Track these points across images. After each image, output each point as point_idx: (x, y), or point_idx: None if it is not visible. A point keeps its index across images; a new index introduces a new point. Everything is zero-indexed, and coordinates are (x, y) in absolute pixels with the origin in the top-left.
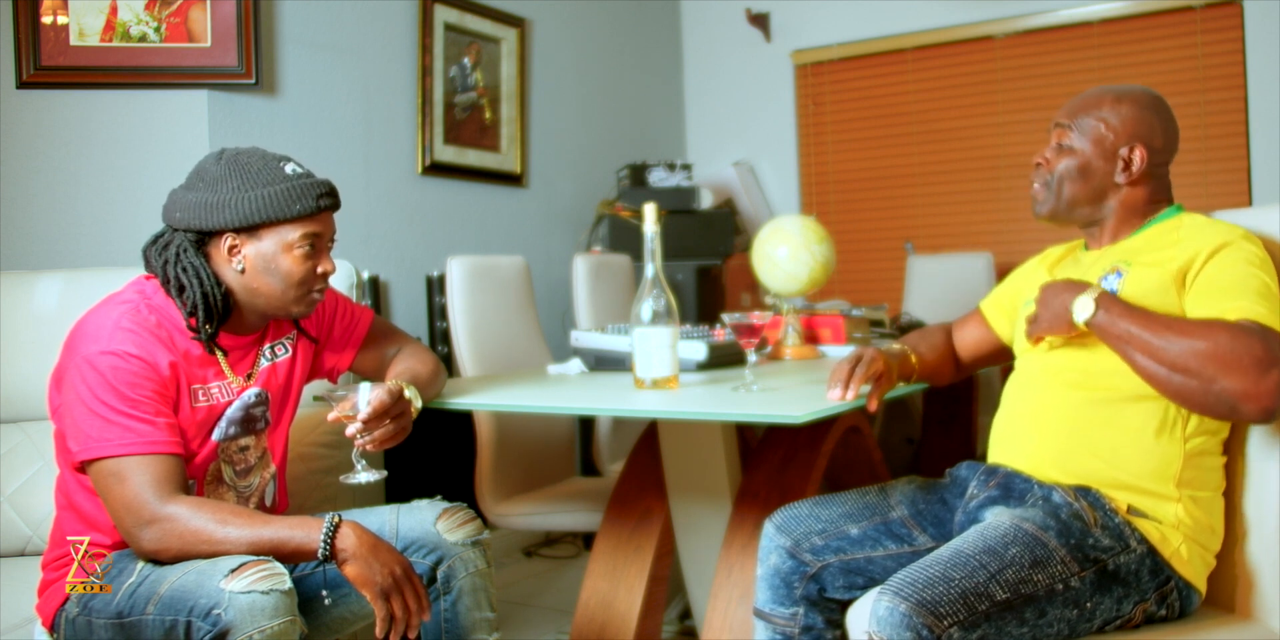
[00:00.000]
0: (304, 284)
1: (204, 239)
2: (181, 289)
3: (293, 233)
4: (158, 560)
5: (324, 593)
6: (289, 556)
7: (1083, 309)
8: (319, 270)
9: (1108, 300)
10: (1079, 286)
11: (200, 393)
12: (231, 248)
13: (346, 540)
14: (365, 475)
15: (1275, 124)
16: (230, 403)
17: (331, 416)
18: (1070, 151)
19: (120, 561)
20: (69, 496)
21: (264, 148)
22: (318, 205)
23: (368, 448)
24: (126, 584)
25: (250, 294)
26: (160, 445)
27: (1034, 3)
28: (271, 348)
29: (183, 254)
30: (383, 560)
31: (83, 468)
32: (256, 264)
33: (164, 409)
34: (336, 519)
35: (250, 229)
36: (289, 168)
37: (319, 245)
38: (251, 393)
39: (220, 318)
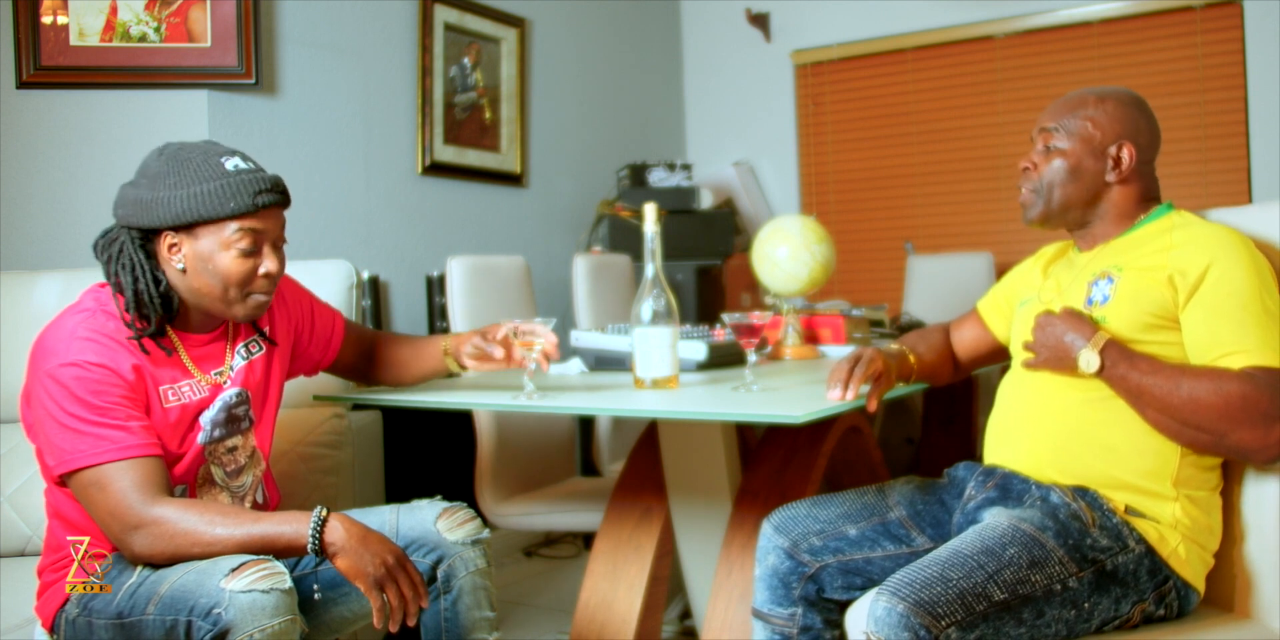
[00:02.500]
0: (243, 284)
1: (148, 237)
2: (120, 286)
3: (228, 231)
4: (152, 564)
5: (315, 587)
6: (281, 552)
7: (1088, 364)
8: (261, 270)
9: (1113, 353)
10: (1079, 327)
11: (170, 393)
12: (171, 246)
13: (335, 533)
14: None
15: (1275, 124)
16: (205, 401)
17: (520, 352)
18: (1060, 152)
19: (119, 562)
20: (57, 508)
21: (216, 143)
22: (254, 203)
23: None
24: (126, 584)
25: (194, 294)
26: (136, 449)
27: (1034, 3)
28: (246, 346)
29: (125, 250)
30: (374, 550)
31: (63, 481)
32: (195, 264)
33: (135, 413)
34: (324, 512)
35: (187, 227)
36: (231, 163)
37: (260, 243)
38: (232, 393)
39: (161, 316)
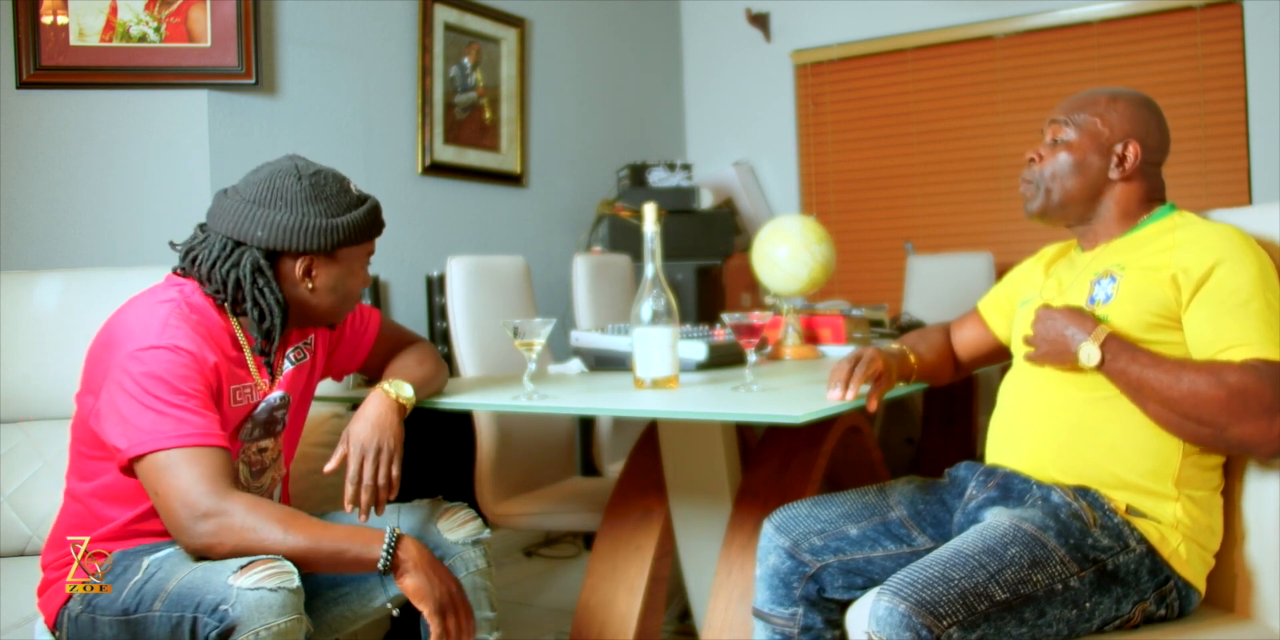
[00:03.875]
0: (354, 298)
1: (275, 257)
2: (259, 308)
3: (361, 254)
4: (207, 556)
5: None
6: (345, 566)
7: (1089, 357)
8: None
9: (1113, 347)
10: (1079, 321)
11: (237, 393)
12: (308, 269)
13: (408, 552)
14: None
15: (1275, 124)
16: (256, 404)
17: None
18: (1066, 146)
19: (123, 560)
20: (78, 497)
21: (289, 154)
22: (381, 229)
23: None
24: (133, 581)
25: (303, 307)
26: (215, 438)
27: (1034, 3)
28: (295, 351)
29: (259, 275)
30: (441, 577)
31: (130, 465)
32: (327, 283)
33: (211, 404)
34: (397, 531)
35: (330, 252)
36: (353, 187)
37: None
38: (276, 396)
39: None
